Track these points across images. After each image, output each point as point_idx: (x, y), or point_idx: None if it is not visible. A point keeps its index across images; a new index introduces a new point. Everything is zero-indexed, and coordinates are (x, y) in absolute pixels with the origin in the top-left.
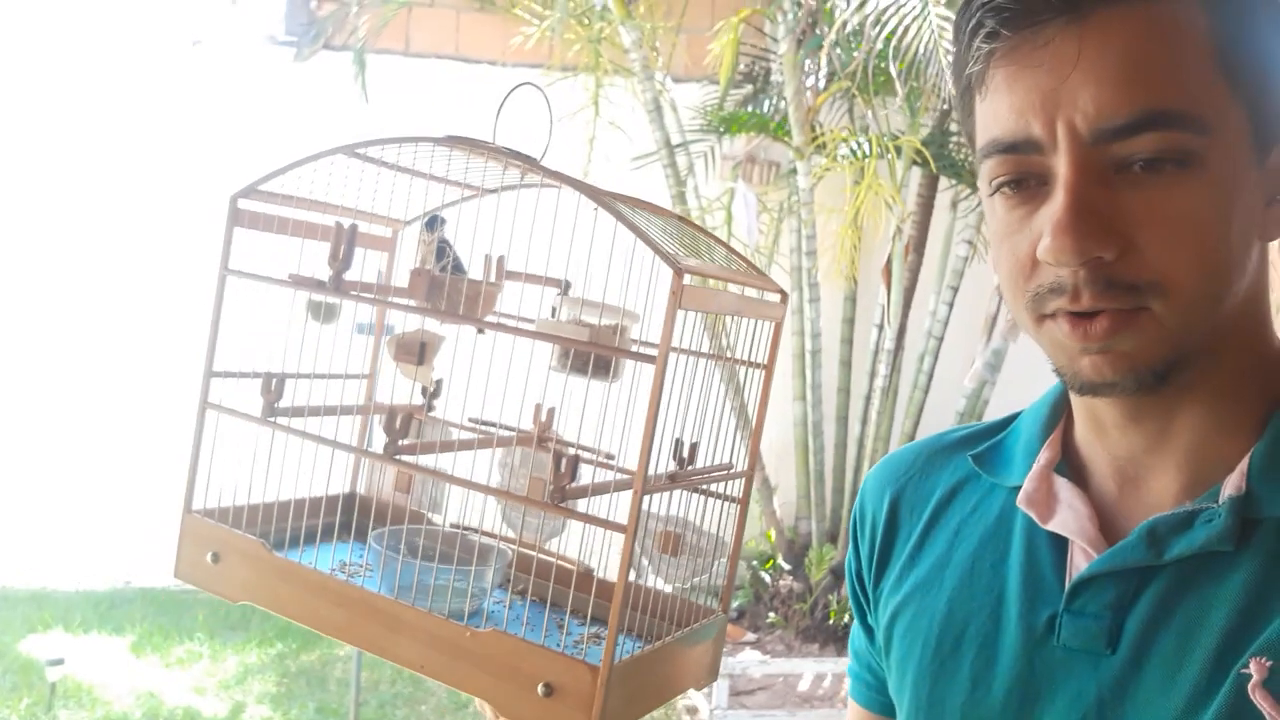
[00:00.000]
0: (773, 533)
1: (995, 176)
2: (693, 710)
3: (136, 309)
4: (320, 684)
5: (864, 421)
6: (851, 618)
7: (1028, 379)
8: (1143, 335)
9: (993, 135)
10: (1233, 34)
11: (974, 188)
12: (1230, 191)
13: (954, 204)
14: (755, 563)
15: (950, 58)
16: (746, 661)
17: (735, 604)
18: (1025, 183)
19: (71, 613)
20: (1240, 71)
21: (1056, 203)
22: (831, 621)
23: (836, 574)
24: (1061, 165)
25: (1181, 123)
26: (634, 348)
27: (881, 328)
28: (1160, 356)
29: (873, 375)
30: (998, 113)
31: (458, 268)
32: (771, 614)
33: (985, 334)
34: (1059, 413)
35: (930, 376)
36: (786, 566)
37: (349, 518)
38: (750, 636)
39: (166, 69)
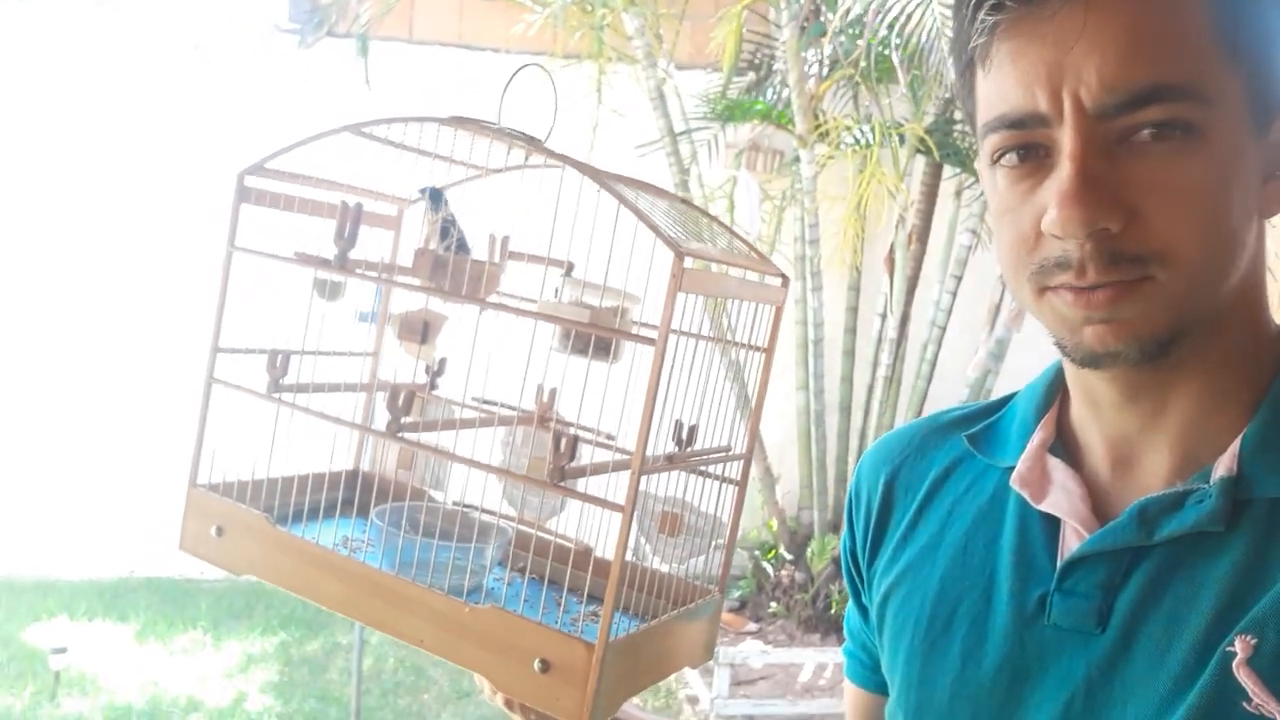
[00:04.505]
0: (775, 522)
1: (998, 149)
2: (694, 700)
3: (143, 301)
4: (322, 672)
5: (867, 411)
6: (847, 599)
7: (1031, 368)
8: (1147, 303)
9: (999, 111)
10: (1231, 8)
11: (978, 176)
12: (1231, 163)
13: (958, 193)
14: (757, 553)
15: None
16: (748, 651)
17: (737, 594)
18: (1028, 156)
19: (76, 601)
20: (1238, 44)
21: (1062, 175)
22: (833, 612)
23: (839, 564)
24: (1066, 138)
25: (1185, 95)
26: (634, 329)
27: (885, 317)
28: (1164, 324)
29: (876, 364)
30: (1003, 87)
31: (462, 246)
32: (773, 604)
33: (989, 323)
34: (1054, 393)
35: (934, 365)
36: (789, 556)
37: (352, 494)
38: (752, 626)
39: (170, 67)
